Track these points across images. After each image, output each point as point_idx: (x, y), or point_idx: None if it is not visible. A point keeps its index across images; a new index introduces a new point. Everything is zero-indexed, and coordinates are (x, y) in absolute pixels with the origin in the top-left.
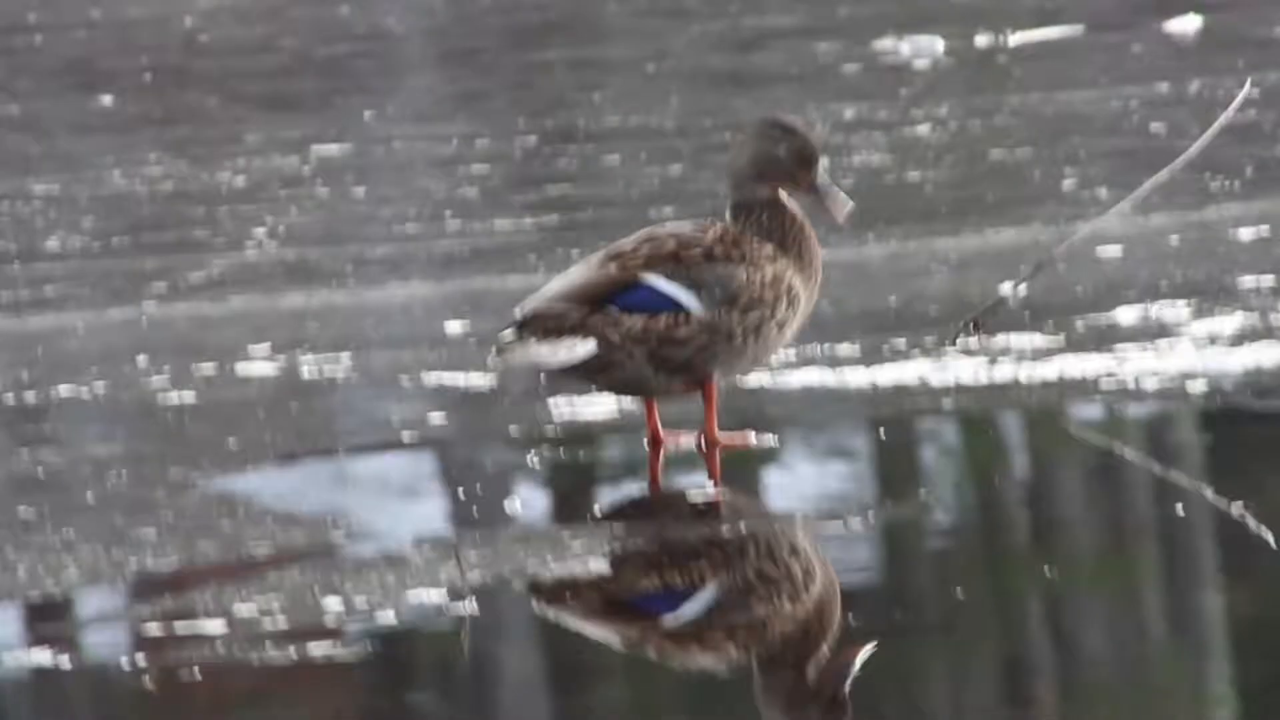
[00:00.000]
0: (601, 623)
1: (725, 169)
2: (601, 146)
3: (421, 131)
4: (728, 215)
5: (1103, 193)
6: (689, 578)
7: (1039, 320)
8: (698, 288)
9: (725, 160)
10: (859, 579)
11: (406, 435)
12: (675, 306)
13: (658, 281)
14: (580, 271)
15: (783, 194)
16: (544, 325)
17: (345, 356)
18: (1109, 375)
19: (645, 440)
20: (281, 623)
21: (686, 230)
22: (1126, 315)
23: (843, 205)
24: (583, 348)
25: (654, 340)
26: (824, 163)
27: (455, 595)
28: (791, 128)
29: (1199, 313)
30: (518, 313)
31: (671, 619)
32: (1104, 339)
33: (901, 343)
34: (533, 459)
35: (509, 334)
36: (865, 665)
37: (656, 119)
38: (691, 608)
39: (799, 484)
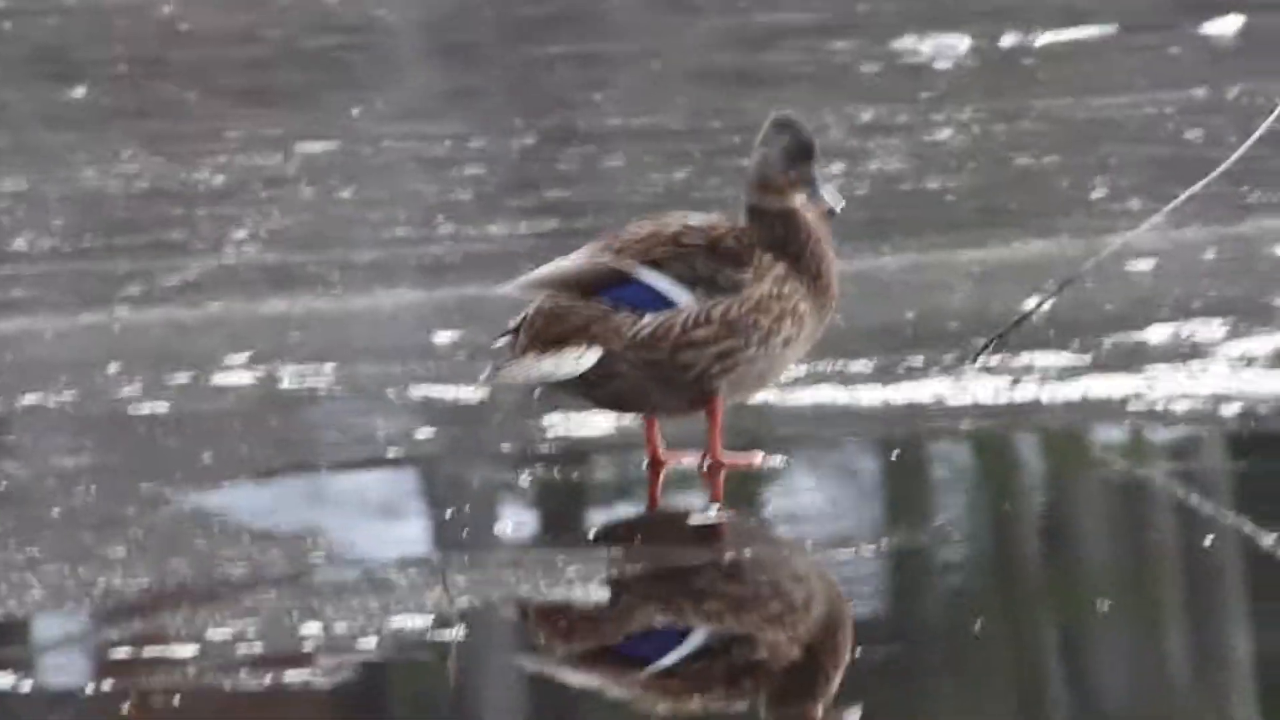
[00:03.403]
0: (596, 653)
1: (742, 176)
2: (603, 148)
3: (413, 130)
4: (743, 221)
5: (1134, 204)
6: (689, 606)
7: (1065, 338)
8: (694, 282)
9: (742, 166)
10: (870, 609)
11: (392, 451)
12: (668, 304)
13: (651, 277)
14: (574, 258)
15: (799, 203)
16: (543, 331)
17: (329, 367)
18: (1138, 397)
19: (645, 460)
20: (257, 648)
21: (697, 220)
22: (1157, 334)
23: (832, 203)
24: (588, 357)
25: (668, 345)
26: (818, 159)
27: (441, 622)
28: (785, 122)
29: (1234, 332)
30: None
31: (671, 651)
32: (1133, 359)
33: (918, 360)
34: (525, 478)
35: (504, 343)
36: (878, 701)
37: (662, 120)
38: (692, 640)
39: (807, 508)
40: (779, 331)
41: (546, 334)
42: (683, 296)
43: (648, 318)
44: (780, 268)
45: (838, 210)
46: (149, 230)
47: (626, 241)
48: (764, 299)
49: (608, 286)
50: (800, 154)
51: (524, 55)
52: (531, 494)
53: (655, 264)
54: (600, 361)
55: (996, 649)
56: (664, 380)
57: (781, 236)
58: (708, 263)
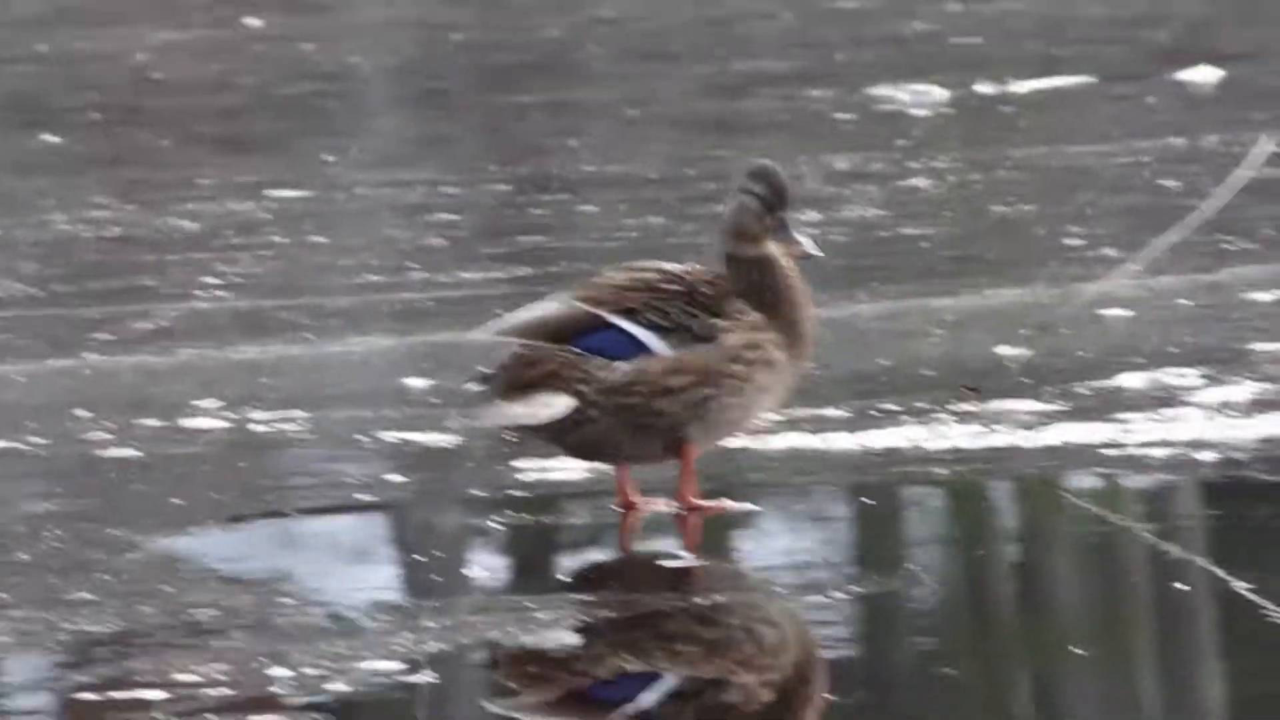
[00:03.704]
0: (566, 699)
1: (717, 223)
2: (577, 196)
3: (386, 177)
4: (716, 268)
5: (1110, 252)
6: (659, 652)
7: (1039, 385)
8: (669, 330)
9: (717, 213)
10: (841, 654)
11: (362, 496)
12: (643, 351)
13: (625, 324)
14: (547, 304)
15: (774, 251)
16: (515, 378)
17: (300, 413)
18: (1113, 444)
19: (616, 505)
20: (225, 692)
21: (673, 268)
22: (1133, 381)
23: (809, 248)
24: (560, 404)
25: (643, 392)
26: (793, 207)
27: (411, 666)
28: (761, 170)
29: (1210, 380)
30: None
31: (640, 696)
32: (1109, 406)
33: (892, 407)
34: (496, 523)
35: (475, 388)
36: None
37: (637, 167)
38: (662, 685)
39: (779, 553)
40: (753, 380)
41: (518, 380)
42: (657, 344)
43: (621, 365)
44: (756, 316)
45: (816, 255)
46: (120, 276)
47: (601, 288)
48: (739, 347)
49: (582, 333)
50: (776, 201)
51: (498, 102)
52: (502, 539)
53: (630, 311)
54: (573, 409)
55: (968, 695)
56: (637, 427)
57: (757, 284)
58: (684, 310)
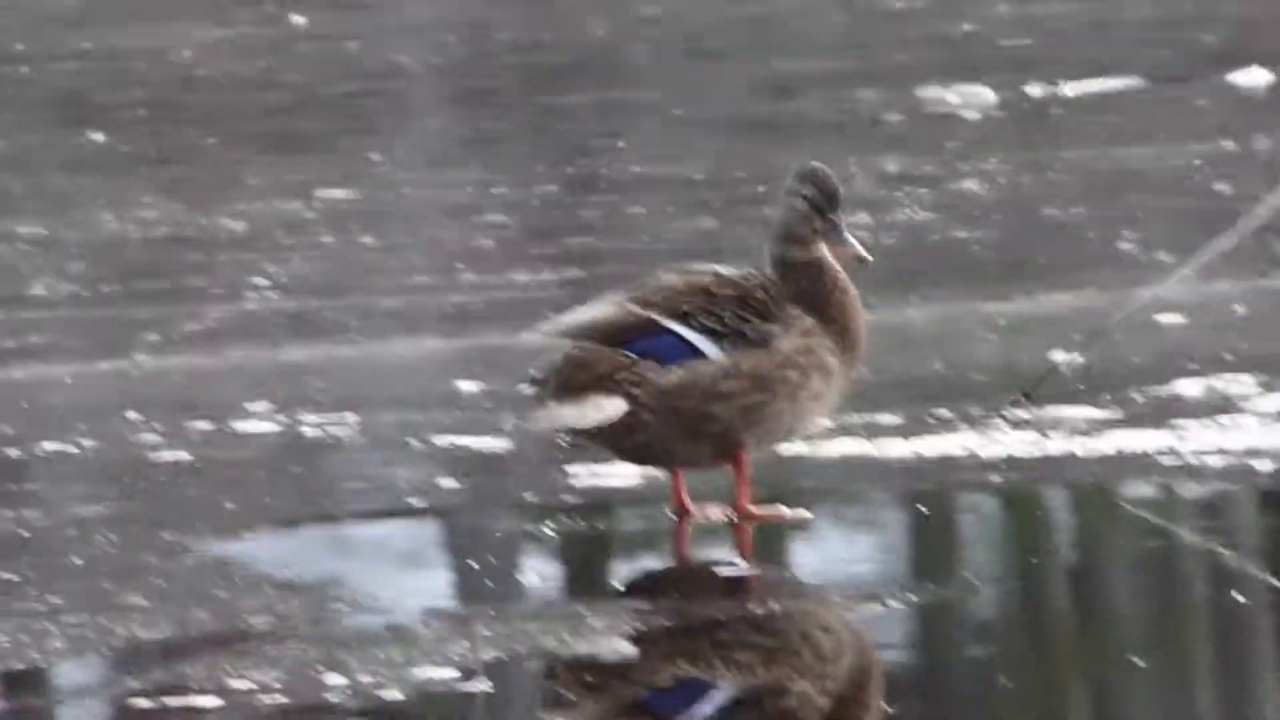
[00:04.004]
0: (621, 708)
1: (766, 227)
2: (626, 196)
3: (434, 177)
4: (769, 272)
5: (1163, 256)
6: (715, 660)
7: (1094, 392)
8: (723, 335)
9: (766, 216)
10: (898, 664)
11: (415, 501)
12: (696, 356)
13: (679, 328)
14: (602, 306)
15: (826, 254)
16: (569, 380)
17: (350, 416)
18: (1168, 452)
19: (671, 511)
20: (279, 699)
21: (727, 272)
22: (1188, 388)
23: (860, 251)
24: (613, 407)
25: (696, 397)
26: (843, 209)
27: (466, 674)
28: (810, 172)
29: (1266, 387)
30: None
31: (696, 705)
32: (1163, 413)
33: (945, 413)
34: (550, 529)
35: (528, 390)
36: None
37: (685, 168)
38: (718, 695)
39: (834, 561)
40: (807, 386)
41: (571, 382)
42: (711, 349)
43: (675, 369)
44: (808, 321)
45: (867, 259)
46: (168, 276)
47: (656, 292)
48: (792, 353)
49: (636, 337)
50: (826, 204)
51: (546, 103)
52: (556, 545)
53: (684, 316)
54: (626, 412)
55: (1025, 704)
56: (689, 432)
57: (809, 289)
58: (737, 315)
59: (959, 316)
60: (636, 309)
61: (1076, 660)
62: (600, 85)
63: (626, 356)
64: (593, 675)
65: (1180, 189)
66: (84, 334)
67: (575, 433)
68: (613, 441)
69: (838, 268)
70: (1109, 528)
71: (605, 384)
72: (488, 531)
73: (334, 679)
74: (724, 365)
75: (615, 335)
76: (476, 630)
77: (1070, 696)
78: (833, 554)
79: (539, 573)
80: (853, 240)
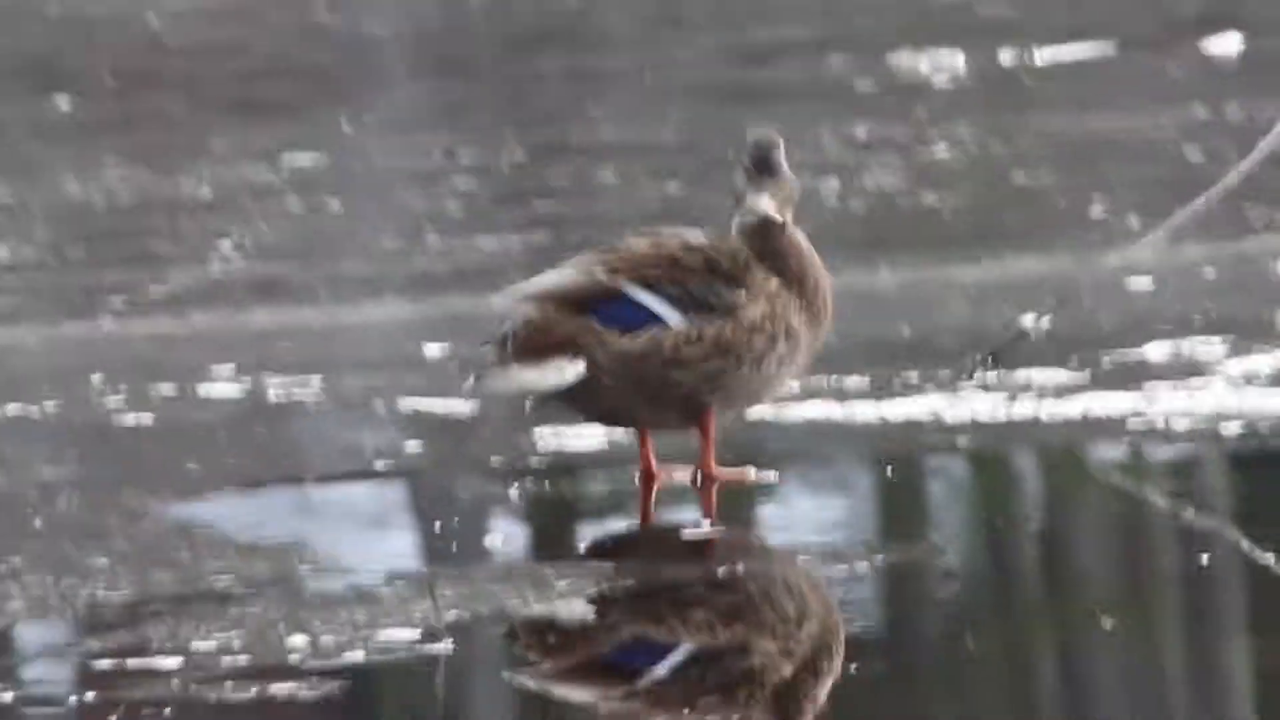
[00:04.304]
0: (585, 667)
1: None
2: (595, 162)
3: (402, 142)
4: (734, 237)
5: (1133, 221)
6: (680, 622)
7: (1063, 355)
8: (687, 304)
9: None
10: (863, 624)
11: (379, 464)
12: (660, 322)
13: (643, 295)
14: (567, 271)
15: (788, 220)
16: (528, 342)
17: (315, 379)
18: (1136, 414)
19: (637, 474)
20: (242, 660)
21: (695, 238)
22: (1156, 351)
23: (764, 211)
24: (572, 370)
25: (656, 362)
26: (768, 175)
27: (429, 635)
28: (750, 141)
29: (1234, 350)
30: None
31: (660, 668)
32: (1132, 376)
33: (914, 376)
34: (515, 491)
35: (489, 351)
36: (870, 716)
37: (655, 134)
38: (682, 656)
39: (800, 523)
40: (773, 351)
41: (531, 345)
42: (675, 317)
43: (638, 335)
44: (774, 284)
45: (775, 220)
46: (134, 241)
47: (622, 258)
48: (758, 319)
49: (600, 303)
50: (755, 170)
51: (516, 69)
52: (521, 507)
53: (649, 283)
54: (586, 375)
55: (991, 665)
56: (651, 397)
57: (767, 249)
58: (703, 283)
59: (928, 281)
60: (602, 275)
61: (1042, 621)
62: (571, 52)
63: (591, 324)
64: (556, 636)
65: (1151, 155)
66: (49, 298)
67: (541, 396)
68: (576, 403)
69: (794, 229)
70: (1077, 490)
71: (565, 347)
72: (452, 494)
73: (297, 639)
74: (686, 331)
75: (581, 301)
76: (439, 591)
77: (1035, 657)
78: (799, 516)
79: (504, 534)
80: (764, 205)
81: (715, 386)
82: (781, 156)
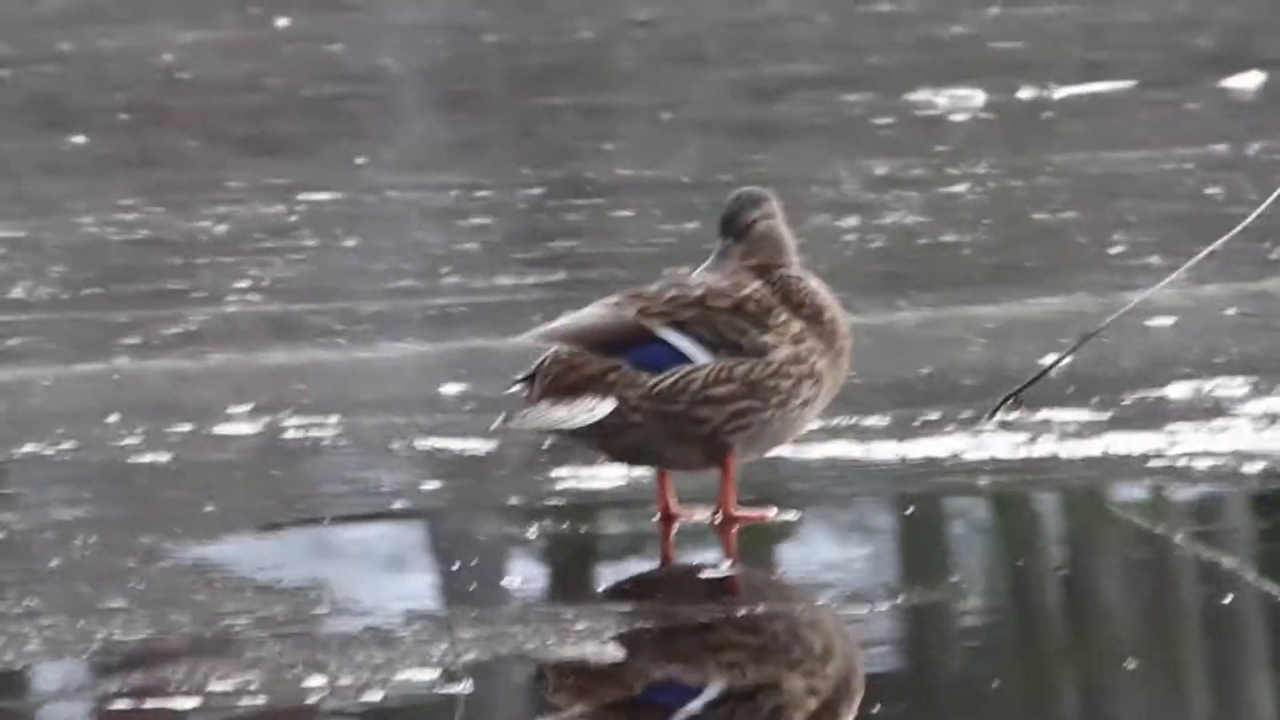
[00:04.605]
0: (605, 710)
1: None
2: (612, 200)
3: (418, 180)
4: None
5: (1154, 260)
6: (699, 662)
7: (1084, 394)
8: (717, 346)
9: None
10: (885, 667)
11: (397, 504)
12: (688, 364)
13: (676, 338)
14: (596, 311)
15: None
16: (559, 380)
17: (333, 419)
18: (1158, 455)
19: (656, 514)
20: (260, 701)
21: (718, 282)
22: (1178, 391)
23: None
24: (602, 408)
25: (685, 399)
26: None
27: (447, 676)
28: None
29: (1256, 391)
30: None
31: (680, 707)
32: (1153, 416)
33: (934, 416)
34: (534, 531)
35: (520, 389)
36: None
37: (671, 171)
38: (702, 696)
39: (821, 564)
40: (798, 395)
41: (561, 383)
42: (704, 359)
43: (666, 373)
44: (797, 326)
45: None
46: (149, 280)
47: (651, 300)
48: (785, 362)
49: (630, 344)
50: (718, 225)
51: (531, 106)
52: (540, 548)
53: (679, 324)
54: (614, 412)
55: (1013, 707)
56: (678, 434)
57: (793, 294)
58: (732, 325)
59: (948, 320)
60: (633, 316)
61: (1064, 663)
62: (586, 88)
63: (621, 366)
64: (576, 678)
65: (1171, 193)
66: (64, 337)
67: (564, 433)
68: (601, 442)
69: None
70: (1098, 531)
71: (595, 385)
72: (471, 534)
73: (315, 681)
74: (715, 369)
75: (610, 342)
76: (458, 633)
77: (1057, 699)
78: (819, 556)
79: (523, 576)
80: (708, 266)
81: (740, 426)
82: (757, 214)
